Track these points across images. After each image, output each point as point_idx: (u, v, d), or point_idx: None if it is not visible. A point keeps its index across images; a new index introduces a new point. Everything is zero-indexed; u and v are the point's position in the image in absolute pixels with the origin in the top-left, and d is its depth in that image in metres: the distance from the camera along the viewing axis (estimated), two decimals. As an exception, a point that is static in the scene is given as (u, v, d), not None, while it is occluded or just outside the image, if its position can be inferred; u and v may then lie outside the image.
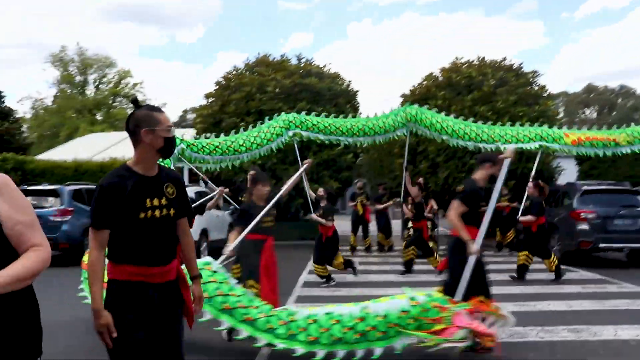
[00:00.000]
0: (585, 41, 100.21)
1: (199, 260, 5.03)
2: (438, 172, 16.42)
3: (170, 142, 2.91)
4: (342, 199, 20.79)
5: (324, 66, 19.26)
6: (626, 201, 12.22)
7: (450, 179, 16.20)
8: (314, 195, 10.21)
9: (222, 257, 5.46)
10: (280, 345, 4.87)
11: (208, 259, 5.23)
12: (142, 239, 2.83)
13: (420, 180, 14.42)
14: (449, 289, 5.46)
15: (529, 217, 10.00)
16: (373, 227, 15.65)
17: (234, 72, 19.13)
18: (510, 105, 16.51)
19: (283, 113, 9.50)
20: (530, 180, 10.69)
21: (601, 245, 11.63)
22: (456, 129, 9.75)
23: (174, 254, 2.99)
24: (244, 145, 7.76)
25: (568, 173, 18.63)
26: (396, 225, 18.84)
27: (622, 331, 6.26)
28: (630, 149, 9.62)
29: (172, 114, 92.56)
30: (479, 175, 5.87)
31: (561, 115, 68.85)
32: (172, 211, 2.92)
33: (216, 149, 7.59)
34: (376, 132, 9.54)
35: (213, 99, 18.52)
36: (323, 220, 9.43)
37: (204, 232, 12.39)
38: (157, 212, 2.85)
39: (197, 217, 11.88)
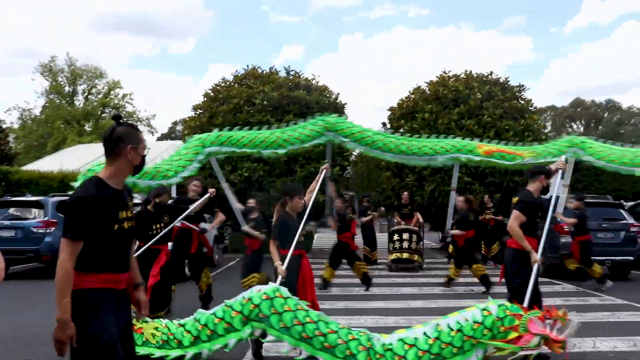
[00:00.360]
0: (573, 56, 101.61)
1: (267, 288, 5.00)
2: (425, 186, 16.48)
3: (144, 161, 3.13)
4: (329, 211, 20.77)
5: (313, 79, 19.33)
6: (609, 214, 12.36)
7: (437, 192, 16.27)
8: (241, 206, 9.91)
9: (279, 279, 5.32)
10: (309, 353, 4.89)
11: (275, 285, 5.08)
12: (115, 248, 2.98)
13: (405, 193, 14.54)
14: (517, 297, 5.54)
15: (457, 232, 10.31)
16: (359, 239, 15.65)
17: (223, 84, 19.16)
18: (497, 119, 16.64)
19: (195, 135, 9.46)
20: (452, 190, 10.89)
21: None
22: (376, 140, 9.84)
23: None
24: (171, 170, 7.76)
25: (553, 187, 18.73)
26: (382, 238, 18.90)
27: (600, 343, 6.32)
28: (531, 162, 10.14)
29: (161, 126, 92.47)
30: (534, 187, 5.96)
31: (548, 129, 69.57)
32: (132, 223, 3.12)
33: (145, 174, 7.52)
34: (292, 143, 9.44)
35: (201, 110, 18.53)
36: (256, 233, 8.62)
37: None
38: (125, 224, 3.02)
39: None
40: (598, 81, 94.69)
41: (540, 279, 11.77)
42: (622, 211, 12.69)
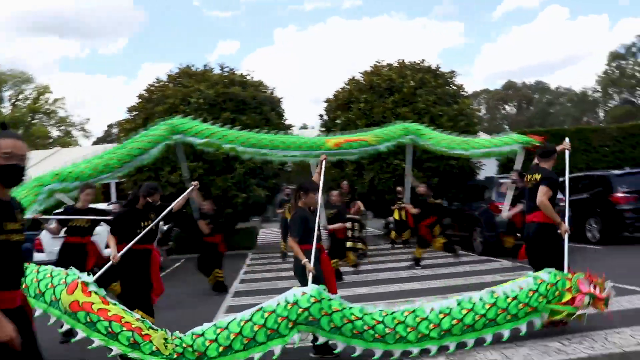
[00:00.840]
0: (503, 40, 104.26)
1: (311, 290, 5.01)
2: (364, 174, 16.74)
3: (5, 170, 2.79)
4: (272, 206, 20.87)
5: (248, 74, 19.29)
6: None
7: (376, 180, 16.55)
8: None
9: (310, 277, 5.27)
10: (415, 350, 5.12)
11: (318, 287, 5.09)
12: (3, 262, 2.75)
13: (345, 183, 14.72)
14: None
15: (337, 225, 10.31)
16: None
17: (157, 84, 18.89)
18: (431, 105, 17.03)
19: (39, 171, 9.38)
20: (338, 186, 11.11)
21: (518, 234, 12.17)
22: (226, 134, 10.04)
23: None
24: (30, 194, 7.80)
25: (488, 168, 19.35)
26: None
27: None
28: (377, 149, 10.82)
29: (96, 129, 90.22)
30: (549, 165, 6.31)
31: (483, 111, 71.32)
32: (22, 236, 2.89)
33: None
34: (135, 155, 9.26)
35: (136, 112, 18.21)
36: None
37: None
38: (13, 236, 2.81)
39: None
40: (528, 63, 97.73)
41: (479, 257, 12.34)
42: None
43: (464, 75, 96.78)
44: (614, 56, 58.40)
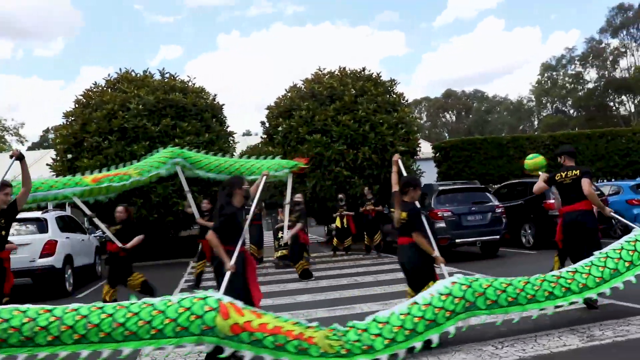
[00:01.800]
0: (443, 49, 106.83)
1: (458, 279, 5.46)
2: (306, 182, 16.81)
3: None
4: (215, 214, 20.67)
5: (189, 81, 19.11)
6: (477, 198, 13.26)
7: (318, 187, 16.65)
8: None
9: (443, 268, 5.84)
10: (564, 304, 5.71)
11: (462, 275, 5.60)
12: None
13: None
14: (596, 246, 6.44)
15: (135, 241, 9.19)
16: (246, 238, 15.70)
17: (95, 89, 18.48)
18: (371, 113, 17.25)
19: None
20: (91, 217, 10.50)
21: (457, 240, 12.52)
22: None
23: None
24: None
25: (428, 175, 19.73)
26: (269, 236, 19.09)
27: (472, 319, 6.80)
28: (141, 180, 10.79)
29: (32, 134, 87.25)
30: (574, 163, 7.07)
31: (424, 119, 72.61)
32: None
33: None
34: None
35: (73, 118, 17.73)
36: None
37: (68, 259, 11.81)
38: None
39: (59, 242, 11.39)
40: (466, 72, 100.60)
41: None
42: (488, 194, 13.65)
43: (405, 83, 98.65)
44: (546, 67, 60.67)
